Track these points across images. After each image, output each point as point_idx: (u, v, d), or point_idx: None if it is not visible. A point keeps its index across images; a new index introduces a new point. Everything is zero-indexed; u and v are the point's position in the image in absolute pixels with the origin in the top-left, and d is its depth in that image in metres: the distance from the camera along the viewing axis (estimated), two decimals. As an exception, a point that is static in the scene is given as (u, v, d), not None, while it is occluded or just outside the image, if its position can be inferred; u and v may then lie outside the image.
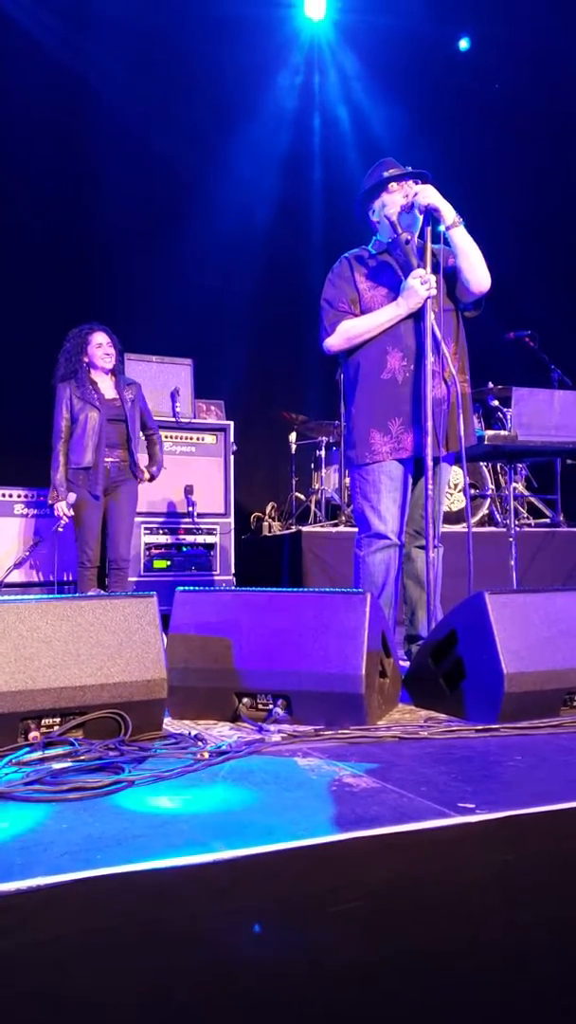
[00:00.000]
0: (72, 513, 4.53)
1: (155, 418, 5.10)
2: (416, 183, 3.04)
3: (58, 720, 1.85)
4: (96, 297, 6.56)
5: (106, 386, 4.68)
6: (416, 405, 3.01)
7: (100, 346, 4.63)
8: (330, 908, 1.18)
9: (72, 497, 4.49)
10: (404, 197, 3.02)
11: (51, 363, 4.77)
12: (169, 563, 5.50)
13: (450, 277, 3.06)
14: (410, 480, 3.12)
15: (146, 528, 5.43)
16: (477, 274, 3.01)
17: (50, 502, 4.56)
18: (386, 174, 3.10)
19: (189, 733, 1.99)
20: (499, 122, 8.35)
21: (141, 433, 4.81)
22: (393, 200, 3.05)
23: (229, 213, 7.38)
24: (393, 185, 3.08)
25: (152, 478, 4.82)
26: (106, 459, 4.56)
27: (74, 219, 6.84)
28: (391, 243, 3.11)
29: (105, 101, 6.94)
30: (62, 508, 4.50)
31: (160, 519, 5.52)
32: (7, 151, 6.67)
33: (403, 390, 3.04)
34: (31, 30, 6.76)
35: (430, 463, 2.89)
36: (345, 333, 3.11)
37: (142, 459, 4.79)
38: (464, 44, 8.11)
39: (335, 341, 3.14)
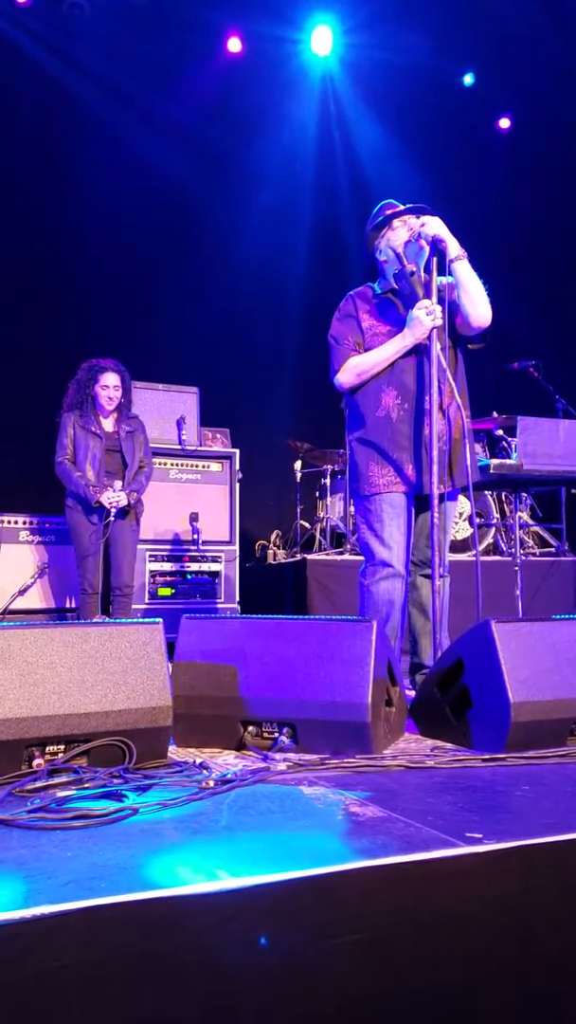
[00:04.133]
0: (121, 499, 4.53)
1: (162, 446, 5.12)
2: (417, 217, 3.08)
3: (63, 747, 1.85)
4: (103, 326, 6.62)
5: (108, 420, 4.73)
6: (412, 442, 3.03)
7: (106, 388, 4.66)
8: (336, 939, 1.17)
9: (108, 492, 4.51)
10: (408, 231, 3.05)
11: (57, 392, 4.82)
12: (173, 591, 5.49)
13: (451, 312, 3.09)
14: (413, 511, 3.13)
15: (151, 556, 5.43)
16: (478, 309, 3.04)
17: (96, 502, 4.51)
18: (388, 212, 3.15)
19: (194, 761, 1.97)
20: (502, 155, 8.47)
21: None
22: (398, 235, 3.10)
23: (235, 243, 7.46)
24: (396, 222, 3.13)
25: (128, 503, 4.61)
26: (106, 486, 4.58)
27: (81, 248, 6.92)
28: (397, 275, 3.14)
29: (116, 132, 7.05)
30: (110, 498, 4.50)
31: (165, 547, 5.52)
32: (16, 180, 6.77)
33: (398, 427, 3.06)
34: (46, 67, 6.88)
35: (435, 491, 2.89)
36: (354, 369, 3.14)
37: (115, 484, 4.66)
38: (468, 79, 8.22)
39: (345, 377, 3.17)
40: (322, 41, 7.69)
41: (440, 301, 2.98)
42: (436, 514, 2.90)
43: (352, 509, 5.64)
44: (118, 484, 4.60)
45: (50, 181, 6.86)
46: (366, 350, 3.14)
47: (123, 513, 4.61)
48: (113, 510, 4.54)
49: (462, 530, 6.10)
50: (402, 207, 3.16)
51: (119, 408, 4.76)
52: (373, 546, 3.09)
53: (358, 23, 7.57)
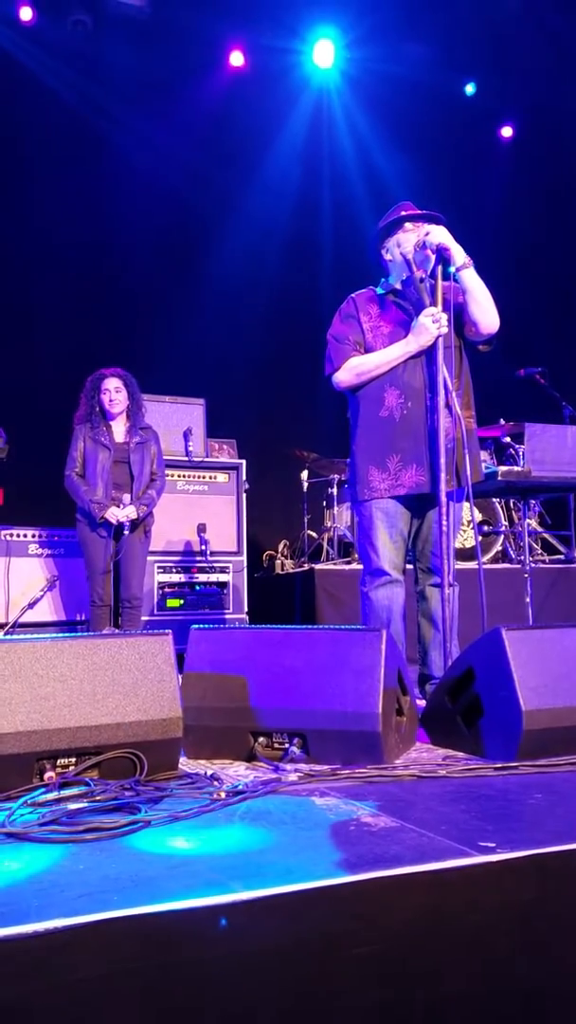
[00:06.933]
0: (131, 513, 4.53)
1: (169, 457, 5.13)
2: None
3: (73, 760, 1.84)
4: (110, 339, 6.65)
5: (119, 430, 4.75)
6: (415, 442, 3.03)
7: (107, 392, 4.69)
8: (350, 949, 1.17)
9: (115, 509, 4.50)
10: (417, 237, 3.06)
11: (65, 405, 4.87)
12: (182, 602, 5.49)
13: (457, 314, 3.09)
14: (411, 518, 3.12)
15: (159, 567, 5.43)
16: (487, 316, 3.05)
17: (99, 518, 4.50)
18: (404, 213, 3.16)
19: (205, 773, 1.97)
20: (506, 162, 8.49)
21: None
22: (408, 239, 3.10)
23: (240, 256, 7.48)
24: (409, 225, 3.13)
25: (138, 516, 4.62)
26: (113, 500, 4.59)
27: (89, 264, 6.96)
28: (405, 281, 3.15)
29: (121, 151, 7.10)
30: (116, 513, 4.49)
31: (173, 558, 5.53)
32: (24, 196, 6.82)
33: (401, 427, 3.05)
34: (50, 84, 6.93)
35: (443, 498, 2.89)
36: (355, 369, 3.14)
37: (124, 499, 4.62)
38: (470, 89, 8.24)
39: (344, 377, 3.17)
40: (324, 54, 7.73)
41: (446, 308, 2.98)
42: (445, 521, 2.89)
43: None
44: (127, 498, 4.59)
45: (57, 197, 6.89)
46: (367, 350, 3.14)
47: (134, 526, 4.62)
48: (127, 525, 4.54)
49: (470, 538, 6.09)
50: (418, 211, 3.16)
51: (129, 416, 4.77)
52: (368, 553, 3.11)
53: (360, 36, 7.60)
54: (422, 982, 1.20)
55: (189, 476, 5.68)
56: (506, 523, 6.41)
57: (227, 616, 5.58)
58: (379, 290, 3.26)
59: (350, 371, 3.15)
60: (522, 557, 4.88)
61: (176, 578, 5.50)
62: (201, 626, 2.37)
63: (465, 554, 5.94)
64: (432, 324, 2.96)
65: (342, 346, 3.18)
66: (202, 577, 5.56)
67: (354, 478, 3.20)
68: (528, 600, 4.56)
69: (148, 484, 4.74)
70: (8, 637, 1.87)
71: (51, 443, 5.16)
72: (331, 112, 8.11)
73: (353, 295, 3.27)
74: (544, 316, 8.03)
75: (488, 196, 8.33)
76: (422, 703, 2.72)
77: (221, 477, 5.80)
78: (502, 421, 6.22)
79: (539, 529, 6.62)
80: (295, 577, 5.99)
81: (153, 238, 7.21)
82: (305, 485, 6.71)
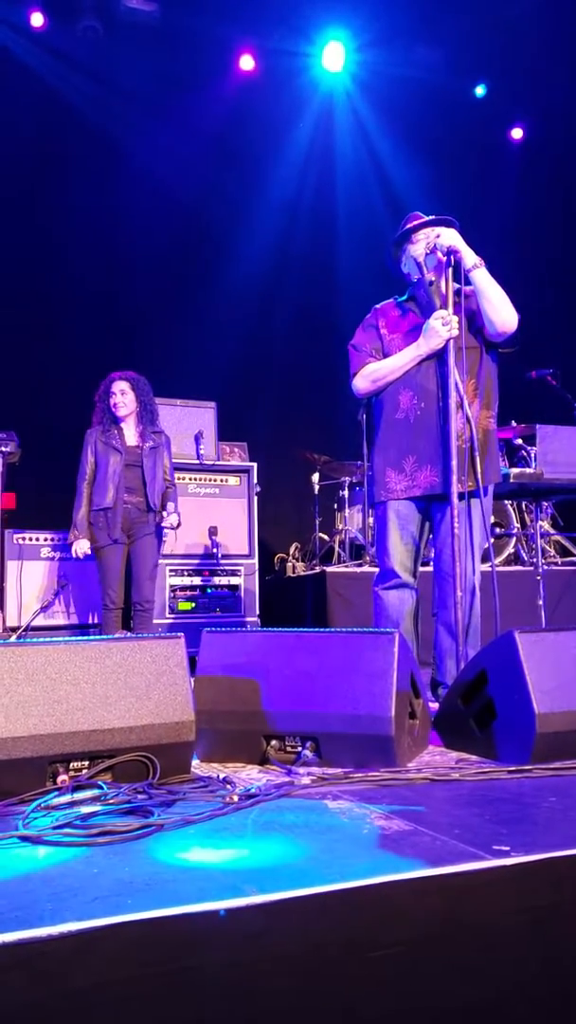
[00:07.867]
0: (88, 551, 4.59)
1: (180, 460, 5.15)
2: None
3: (86, 763, 1.85)
4: (121, 343, 6.67)
5: (130, 432, 4.75)
6: (429, 443, 3.03)
7: (114, 394, 4.72)
8: (365, 953, 1.16)
9: (86, 544, 4.57)
10: (427, 243, 3.08)
11: (76, 409, 4.91)
12: (194, 605, 5.50)
13: (474, 316, 3.08)
14: (422, 521, 3.12)
15: (171, 570, 5.44)
16: (501, 315, 3.03)
17: (70, 540, 4.63)
18: (410, 225, 3.18)
19: (218, 776, 1.97)
20: (518, 164, 8.48)
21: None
22: (418, 248, 3.14)
23: (250, 259, 7.49)
24: (419, 235, 3.16)
25: (172, 527, 4.80)
26: (125, 503, 4.60)
27: (100, 269, 6.98)
28: (416, 284, 3.16)
29: (132, 157, 7.13)
30: (83, 547, 4.57)
31: (185, 561, 5.53)
32: (41, 206, 6.85)
33: (416, 428, 3.08)
34: (61, 89, 6.96)
35: (455, 499, 2.88)
36: (369, 376, 3.19)
37: (168, 507, 4.74)
38: (480, 91, 8.23)
39: (361, 384, 3.23)
40: (334, 57, 7.73)
41: (457, 310, 2.98)
42: (456, 523, 2.87)
43: (371, 520, 5.63)
44: (171, 506, 4.71)
45: (69, 202, 6.93)
46: (385, 355, 3.18)
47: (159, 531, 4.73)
48: (165, 532, 4.72)
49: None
50: (426, 218, 3.18)
51: (140, 419, 4.78)
52: (380, 554, 3.17)
53: (370, 39, 7.60)
54: (438, 987, 1.20)
55: (200, 479, 5.68)
56: (518, 525, 6.39)
57: (239, 619, 5.58)
58: (401, 298, 3.29)
59: (366, 378, 3.20)
60: (535, 559, 4.86)
61: (188, 581, 5.50)
62: (213, 629, 2.37)
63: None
64: (442, 327, 2.97)
65: (359, 354, 3.24)
66: (214, 580, 5.57)
67: (372, 479, 3.23)
68: (541, 603, 4.54)
69: (166, 490, 4.76)
70: (21, 641, 1.88)
71: (63, 447, 5.18)
72: (341, 115, 8.10)
73: (376, 306, 3.31)
74: (556, 317, 8.00)
75: (499, 197, 8.32)
76: (435, 706, 2.71)
77: (232, 480, 5.80)
78: (514, 423, 6.20)
79: (552, 531, 6.59)
80: (306, 580, 5.99)
81: (163, 242, 7.23)
82: (316, 488, 6.71)
